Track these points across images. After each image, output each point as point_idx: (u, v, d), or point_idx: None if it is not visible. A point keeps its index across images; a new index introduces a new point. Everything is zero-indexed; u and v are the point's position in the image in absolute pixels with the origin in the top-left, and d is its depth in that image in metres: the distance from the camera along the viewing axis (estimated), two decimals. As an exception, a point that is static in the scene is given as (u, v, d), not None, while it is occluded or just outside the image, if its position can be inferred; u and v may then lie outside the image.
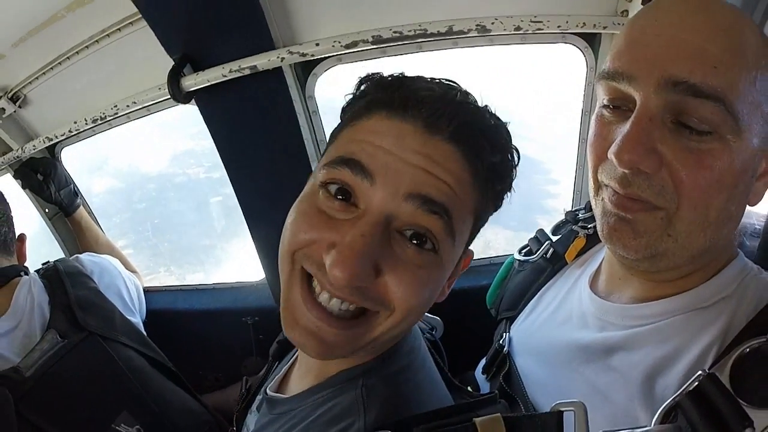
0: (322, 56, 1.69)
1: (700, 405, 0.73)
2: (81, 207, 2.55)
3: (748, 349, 0.80)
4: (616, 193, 0.93)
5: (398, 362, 1.03)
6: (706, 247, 0.93)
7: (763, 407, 0.72)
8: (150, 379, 1.84)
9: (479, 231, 1.01)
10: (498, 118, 0.96)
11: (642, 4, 1.43)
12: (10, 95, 2.26)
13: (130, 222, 4.65)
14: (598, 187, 1.00)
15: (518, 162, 0.99)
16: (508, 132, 0.98)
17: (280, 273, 0.94)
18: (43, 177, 2.40)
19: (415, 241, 0.86)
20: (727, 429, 0.70)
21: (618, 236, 0.94)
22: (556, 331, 1.21)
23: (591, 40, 1.75)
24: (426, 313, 1.34)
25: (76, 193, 2.54)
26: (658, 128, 0.87)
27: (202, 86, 1.72)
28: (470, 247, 1.04)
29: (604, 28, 1.56)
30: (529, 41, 1.75)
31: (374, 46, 1.60)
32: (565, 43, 1.76)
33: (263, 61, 1.68)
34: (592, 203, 1.05)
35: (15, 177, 2.46)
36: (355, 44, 1.58)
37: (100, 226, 2.66)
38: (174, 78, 1.70)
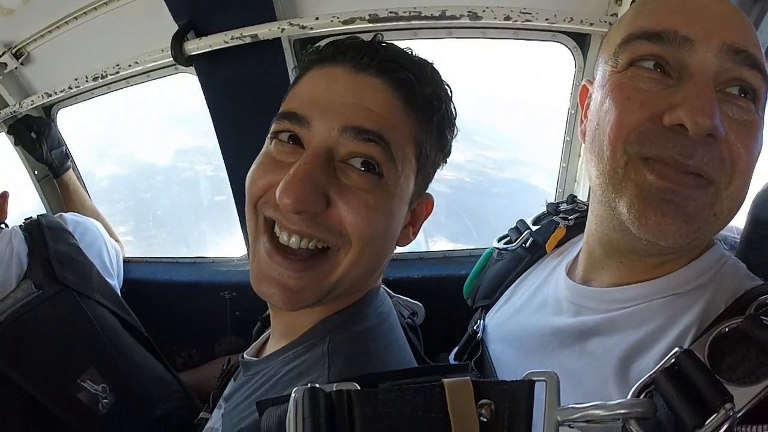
0: (321, 30, 1.73)
1: (677, 381, 0.72)
2: (70, 170, 2.55)
3: (726, 329, 0.77)
4: (670, 167, 0.84)
5: (367, 321, 1.07)
6: (727, 217, 0.90)
7: (743, 385, 0.70)
8: (121, 340, 1.83)
9: (430, 170, 1.08)
10: (423, 58, 1.05)
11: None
12: (13, 51, 2.25)
13: (133, 210, 4.72)
14: (628, 160, 0.88)
15: (451, 96, 1.07)
16: (435, 69, 1.05)
17: (248, 229, 1.02)
18: (37, 135, 2.40)
19: (363, 167, 0.93)
20: (704, 405, 0.68)
21: (668, 222, 0.84)
22: (530, 317, 1.21)
23: (581, 41, 1.80)
24: (407, 298, 1.42)
25: (67, 156, 2.54)
26: (716, 95, 0.83)
27: (203, 51, 1.76)
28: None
29: (591, 24, 1.62)
30: (521, 37, 1.81)
31: (370, 25, 1.64)
32: (555, 41, 1.81)
33: (264, 31, 1.73)
34: (610, 185, 0.92)
35: (8, 133, 2.46)
36: (352, 21, 1.64)
37: (87, 191, 2.65)
38: (177, 42, 1.76)
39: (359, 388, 0.74)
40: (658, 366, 0.75)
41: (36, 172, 2.60)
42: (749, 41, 0.84)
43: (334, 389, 0.73)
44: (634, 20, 0.92)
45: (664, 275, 0.96)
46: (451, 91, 1.07)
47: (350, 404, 0.71)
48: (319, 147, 0.92)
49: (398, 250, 1.14)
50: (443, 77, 1.06)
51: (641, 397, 0.74)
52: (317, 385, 0.73)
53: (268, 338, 1.26)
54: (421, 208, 1.12)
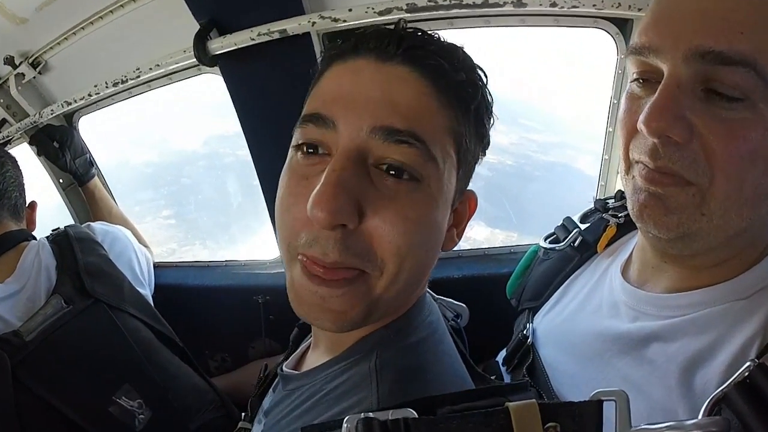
0: (354, 23, 1.66)
1: (750, 396, 0.71)
2: (95, 177, 2.55)
3: None
4: (646, 167, 0.92)
5: (416, 334, 1.01)
6: (743, 228, 0.91)
7: None
8: (156, 352, 1.83)
9: (471, 163, 1.00)
10: (453, 43, 0.96)
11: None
12: (30, 60, 2.26)
13: (176, 195, 4.88)
14: (629, 165, 0.98)
15: (487, 82, 0.98)
16: (467, 53, 0.97)
17: (282, 256, 0.94)
18: (59, 145, 2.40)
19: (392, 173, 0.84)
20: None
21: (649, 213, 0.93)
22: (585, 322, 1.19)
23: (622, 27, 1.74)
24: (450, 300, 1.36)
25: (91, 163, 2.54)
26: (688, 97, 0.86)
27: (228, 49, 1.72)
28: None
29: (639, 9, 1.54)
30: (562, 23, 1.74)
31: (408, 15, 1.57)
32: (597, 27, 1.74)
33: (293, 25, 1.65)
34: (623, 184, 1.03)
35: (30, 143, 2.46)
36: (388, 11, 1.56)
37: (113, 198, 2.66)
38: (200, 41, 1.71)
39: (416, 414, 0.71)
40: (731, 380, 0.73)
41: (61, 181, 2.61)
42: (727, 36, 0.81)
43: (390, 418, 0.70)
44: (636, 32, 0.95)
45: (724, 281, 0.95)
46: (486, 77, 0.98)
47: None
48: (349, 149, 0.84)
49: None
50: (476, 62, 0.98)
51: (713, 412, 0.73)
52: (371, 414, 0.71)
53: (308, 349, 1.23)
54: (464, 206, 1.03)
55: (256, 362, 2.36)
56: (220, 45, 1.72)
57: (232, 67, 1.85)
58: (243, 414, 1.38)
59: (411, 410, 0.72)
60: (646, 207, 0.93)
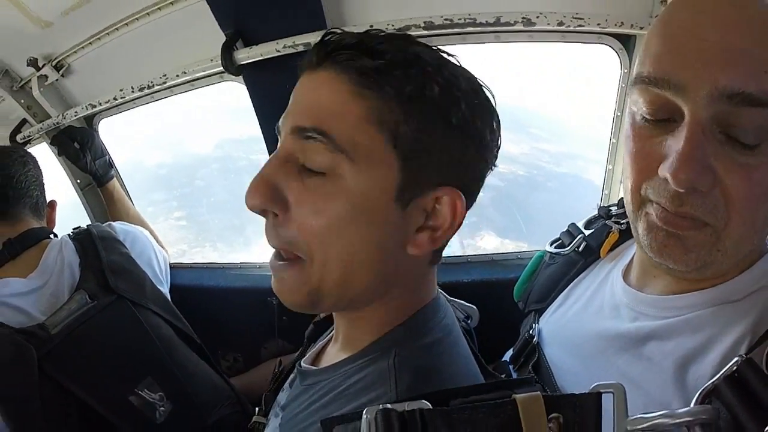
0: None
1: (738, 389, 0.77)
2: (114, 179, 2.63)
3: None
4: (665, 210, 0.92)
5: (432, 334, 1.05)
6: (750, 251, 0.97)
7: None
8: (176, 348, 1.91)
9: (433, 157, 0.94)
10: (383, 34, 0.96)
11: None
12: (54, 63, 2.36)
13: (189, 197, 5.00)
14: (641, 202, 0.98)
15: (440, 63, 0.95)
16: (409, 40, 0.98)
17: None
18: (80, 146, 2.50)
19: (305, 167, 0.92)
20: (764, 411, 0.74)
21: (669, 252, 0.95)
22: (587, 322, 1.24)
23: (625, 42, 1.85)
24: (461, 301, 1.43)
25: (110, 165, 2.62)
26: (710, 142, 0.84)
27: (254, 60, 1.83)
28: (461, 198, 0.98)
29: (641, 28, 1.65)
30: (569, 39, 1.85)
31: (425, 32, 1.68)
32: (601, 43, 1.86)
33: (316, 40, 1.78)
34: (631, 217, 1.03)
35: (52, 144, 2.56)
36: (407, 28, 1.67)
37: (131, 199, 2.75)
38: (227, 51, 1.83)
39: (431, 406, 0.77)
40: (720, 374, 0.79)
41: (78, 181, 2.72)
42: (754, 76, 0.80)
43: (407, 408, 0.76)
44: (643, 57, 0.93)
45: (717, 285, 1.01)
46: (442, 60, 0.97)
47: (424, 423, 0.75)
48: (281, 151, 0.95)
49: (445, 253, 1.10)
50: (419, 45, 0.97)
51: (704, 403, 0.79)
52: (389, 405, 0.76)
53: (325, 345, 1.29)
54: (441, 207, 0.97)
55: (269, 362, 2.44)
56: (246, 55, 1.83)
57: (256, 76, 1.96)
58: (257, 408, 1.43)
59: (426, 402, 0.77)
60: (666, 246, 0.95)
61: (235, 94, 2.21)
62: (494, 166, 1.05)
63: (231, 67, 1.86)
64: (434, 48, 0.97)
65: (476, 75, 1.01)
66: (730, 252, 0.92)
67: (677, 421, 0.75)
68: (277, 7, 1.79)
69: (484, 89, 1.00)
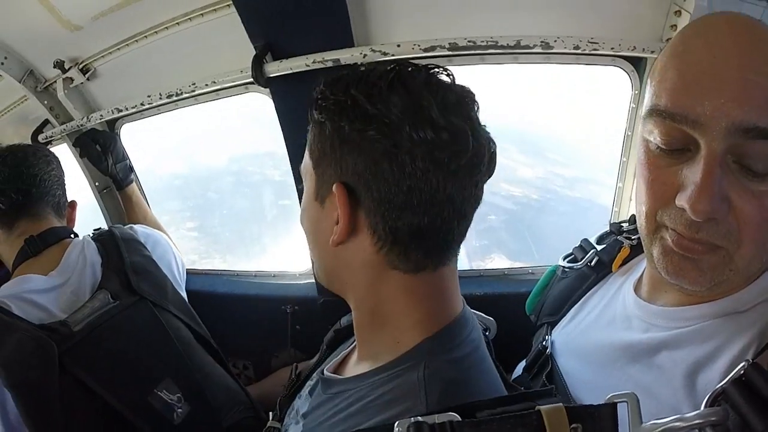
0: (401, 57, 1.83)
1: (745, 391, 0.81)
2: (134, 183, 2.73)
3: None
4: (681, 236, 0.99)
5: (460, 349, 1.11)
6: (759, 269, 1.04)
7: None
8: (194, 351, 1.98)
9: (323, 154, 1.09)
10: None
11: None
12: (80, 66, 2.46)
13: (201, 208, 5.11)
14: (656, 227, 1.05)
15: (330, 91, 1.08)
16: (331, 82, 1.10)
17: None
18: (102, 149, 2.59)
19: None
20: None
21: (684, 274, 1.02)
22: (600, 333, 1.30)
23: (637, 64, 1.97)
24: (480, 313, 1.43)
25: (131, 169, 2.72)
26: (725, 173, 0.91)
27: (283, 73, 1.92)
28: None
29: (652, 52, 1.77)
30: (583, 62, 1.99)
31: (449, 53, 1.80)
32: (614, 65, 1.99)
33: (346, 56, 1.86)
34: (646, 240, 1.10)
35: (74, 145, 2.66)
36: (432, 48, 1.78)
37: (148, 204, 2.85)
38: (257, 63, 1.91)
39: (460, 418, 0.82)
40: (728, 378, 0.84)
41: (97, 183, 2.82)
42: (766, 109, 0.87)
43: (437, 421, 0.81)
44: (658, 90, 0.99)
45: (724, 297, 1.07)
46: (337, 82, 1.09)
47: None
48: None
49: (458, 267, 1.18)
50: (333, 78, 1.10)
51: (713, 406, 0.84)
52: (420, 418, 0.81)
53: (348, 355, 1.35)
54: (333, 198, 1.09)
55: (283, 370, 2.52)
56: (276, 68, 1.93)
57: (282, 89, 2.05)
58: (271, 413, 1.49)
59: (455, 414, 0.82)
60: (682, 270, 1.02)
61: (252, 107, 2.34)
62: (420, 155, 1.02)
63: (261, 79, 1.96)
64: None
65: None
66: (741, 272, 1.00)
67: (689, 424, 0.81)
68: (308, 23, 1.89)
69: (386, 81, 1.04)
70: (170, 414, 1.79)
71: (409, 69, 1.06)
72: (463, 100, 1.07)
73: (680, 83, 0.95)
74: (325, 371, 1.30)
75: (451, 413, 0.83)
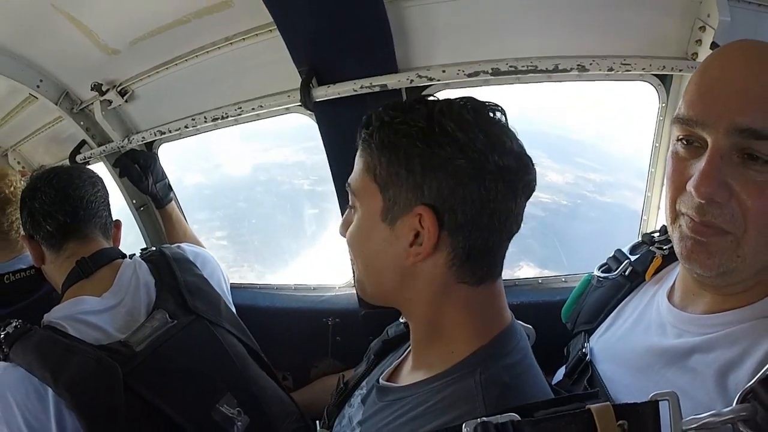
0: (446, 81, 2.03)
1: None
2: (173, 201, 2.89)
3: None
4: (693, 220, 1.15)
5: (511, 356, 1.23)
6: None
7: None
8: (249, 366, 2.08)
9: (397, 182, 1.22)
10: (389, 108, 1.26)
11: (711, 49, 1.80)
12: (118, 89, 2.64)
13: (231, 218, 5.35)
14: (676, 215, 1.22)
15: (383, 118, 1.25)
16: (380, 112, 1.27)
17: None
18: (142, 169, 2.75)
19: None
20: None
21: (695, 257, 1.18)
22: (636, 340, 1.43)
23: (664, 80, 2.14)
24: (520, 322, 1.47)
25: (169, 187, 2.88)
26: (728, 164, 1.09)
27: (330, 98, 2.08)
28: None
29: (680, 70, 1.94)
30: (612, 78, 2.16)
31: (492, 77, 1.96)
32: (643, 80, 2.17)
33: (393, 81, 2.06)
34: (669, 230, 1.27)
35: (114, 166, 2.84)
36: (476, 74, 1.94)
37: (187, 221, 3.00)
38: (305, 87, 2.07)
39: (519, 418, 0.95)
40: (756, 377, 0.98)
41: (134, 201, 3.01)
42: (761, 115, 1.07)
43: (500, 421, 0.94)
44: (682, 101, 1.20)
45: (750, 304, 1.22)
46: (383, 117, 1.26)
47: None
48: None
49: None
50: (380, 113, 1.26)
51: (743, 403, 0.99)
52: (485, 418, 0.94)
53: (400, 364, 1.48)
54: (413, 222, 1.22)
55: (326, 378, 2.69)
56: (324, 93, 2.12)
57: (326, 113, 2.21)
58: (318, 422, 1.62)
59: (515, 414, 0.95)
60: (692, 252, 1.18)
61: (277, 119, 2.48)
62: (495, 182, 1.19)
63: (309, 104, 2.15)
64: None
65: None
66: (749, 260, 1.14)
67: (723, 419, 0.96)
68: (353, 48, 2.05)
69: (449, 118, 1.20)
70: (231, 427, 1.90)
71: (477, 102, 1.22)
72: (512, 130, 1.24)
73: (696, 95, 1.16)
74: (380, 380, 1.42)
75: (511, 414, 0.95)
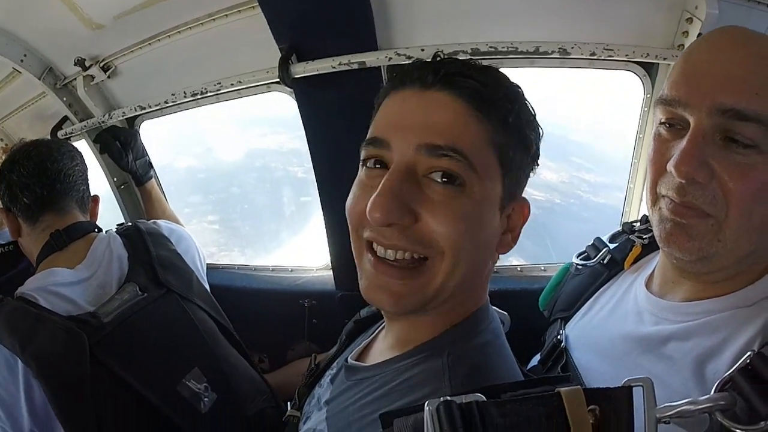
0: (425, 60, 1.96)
1: (751, 379, 0.93)
2: (153, 179, 2.88)
3: None
4: (673, 201, 1.16)
5: (483, 336, 1.22)
6: (751, 251, 1.16)
7: None
8: (219, 343, 2.10)
9: (518, 172, 1.20)
10: (487, 66, 1.20)
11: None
12: (101, 64, 2.61)
13: (224, 202, 5.41)
14: (656, 198, 1.23)
15: (523, 95, 1.21)
16: (501, 73, 1.21)
17: (353, 250, 1.22)
18: (123, 145, 2.74)
19: (444, 179, 1.09)
20: None
21: (674, 239, 1.18)
22: (613, 327, 1.42)
23: (649, 69, 2.13)
24: (495, 308, 1.46)
25: (150, 165, 2.87)
26: (710, 145, 1.09)
27: (308, 74, 2.05)
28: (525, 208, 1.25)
29: (664, 59, 1.93)
30: (597, 66, 2.15)
31: (471, 57, 1.90)
32: (627, 70, 2.16)
33: (372, 59, 2.01)
34: (649, 213, 1.28)
35: (95, 142, 2.81)
36: (456, 53, 1.90)
37: (167, 199, 3.00)
38: (284, 64, 2.03)
39: (485, 398, 0.90)
40: (735, 366, 0.96)
41: (115, 179, 2.97)
42: (745, 96, 1.07)
43: (464, 401, 0.89)
44: (666, 84, 1.21)
45: (732, 292, 1.22)
46: (521, 91, 1.21)
47: (482, 414, 0.88)
48: (400, 164, 1.10)
49: None
50: (510, 79, 1.21)
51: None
52: (449, 398, 0.89)
53: (370, 344, 1.46)
54: (517, 213, 1.24)
55: (299, 361, 2.67)
56: (302, 69, 2.09)
57: (306, 90, 2.19)
58: (290, 403, 1.60)
59: (481, 395, 0.90)
60: (672, 235, 1.19)
61: (274, 105, 2.49)
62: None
63: (287, 80, 2.12)
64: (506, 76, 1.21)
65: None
66: (729, 245, 1.14)
67: (700, 407, 0.93)
68: (333, 26, 2.03)
69: (531, 107, 1.22)
70: (198, 403, 1.91)
71: None
72: None
73: (681, 77, 1.17)
74: (349, 359, 1.40)
75: (477, 394, 0.91)
